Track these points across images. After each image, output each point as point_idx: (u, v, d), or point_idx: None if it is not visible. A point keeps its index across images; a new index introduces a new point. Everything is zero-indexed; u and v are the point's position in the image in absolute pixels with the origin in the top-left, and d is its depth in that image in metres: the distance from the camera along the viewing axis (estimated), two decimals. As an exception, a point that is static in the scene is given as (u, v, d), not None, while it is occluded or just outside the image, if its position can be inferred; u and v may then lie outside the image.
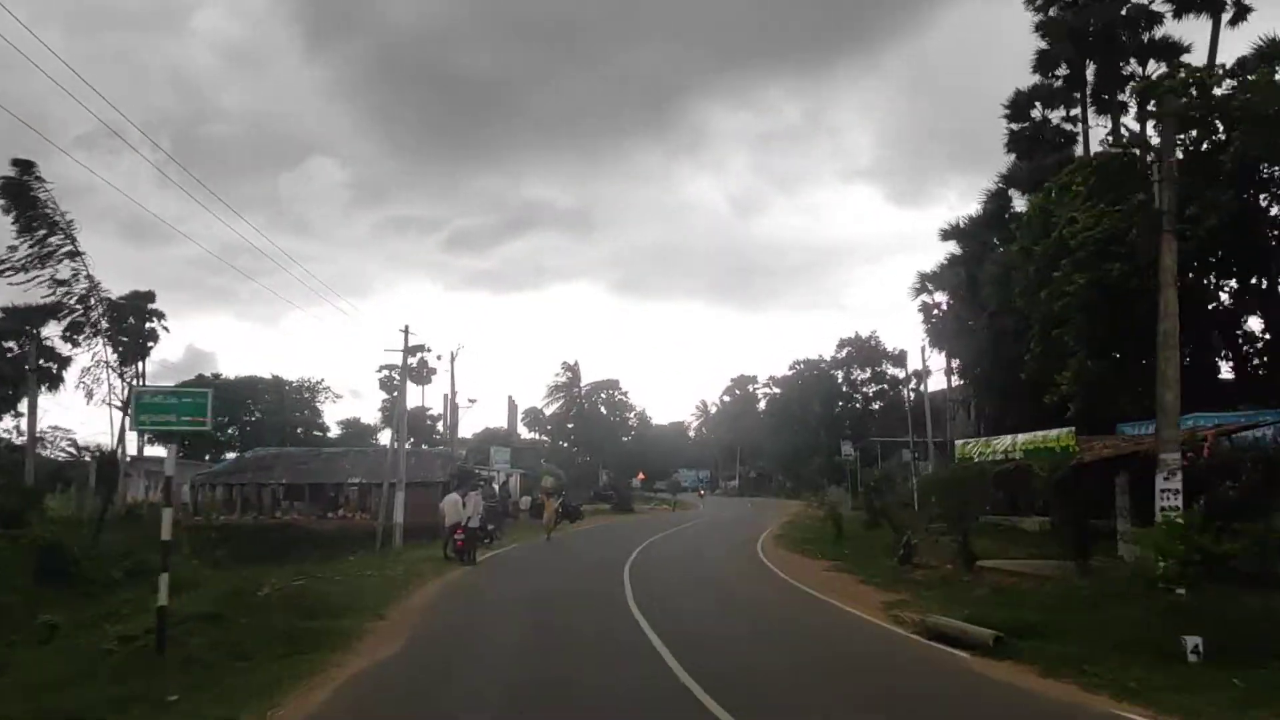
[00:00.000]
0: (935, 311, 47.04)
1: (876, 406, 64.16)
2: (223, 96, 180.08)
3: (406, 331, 33.08)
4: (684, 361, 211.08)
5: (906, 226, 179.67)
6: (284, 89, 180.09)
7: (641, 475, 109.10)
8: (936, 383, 52.47)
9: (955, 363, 48.00)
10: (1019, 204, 41.72)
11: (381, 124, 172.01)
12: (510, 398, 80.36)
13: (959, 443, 23.21)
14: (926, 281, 47.18)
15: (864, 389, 64.54)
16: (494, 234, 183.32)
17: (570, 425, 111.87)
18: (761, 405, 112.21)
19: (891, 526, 23.89)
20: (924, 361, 48.62)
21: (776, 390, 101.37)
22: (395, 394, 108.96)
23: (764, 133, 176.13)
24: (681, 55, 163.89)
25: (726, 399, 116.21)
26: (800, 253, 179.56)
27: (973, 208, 50.07)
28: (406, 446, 37.19)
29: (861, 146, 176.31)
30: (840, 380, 65.82)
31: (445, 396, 54.98)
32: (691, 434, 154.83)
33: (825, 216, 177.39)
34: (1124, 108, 35.58)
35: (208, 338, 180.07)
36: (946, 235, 42.73)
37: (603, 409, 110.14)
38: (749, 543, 33.13)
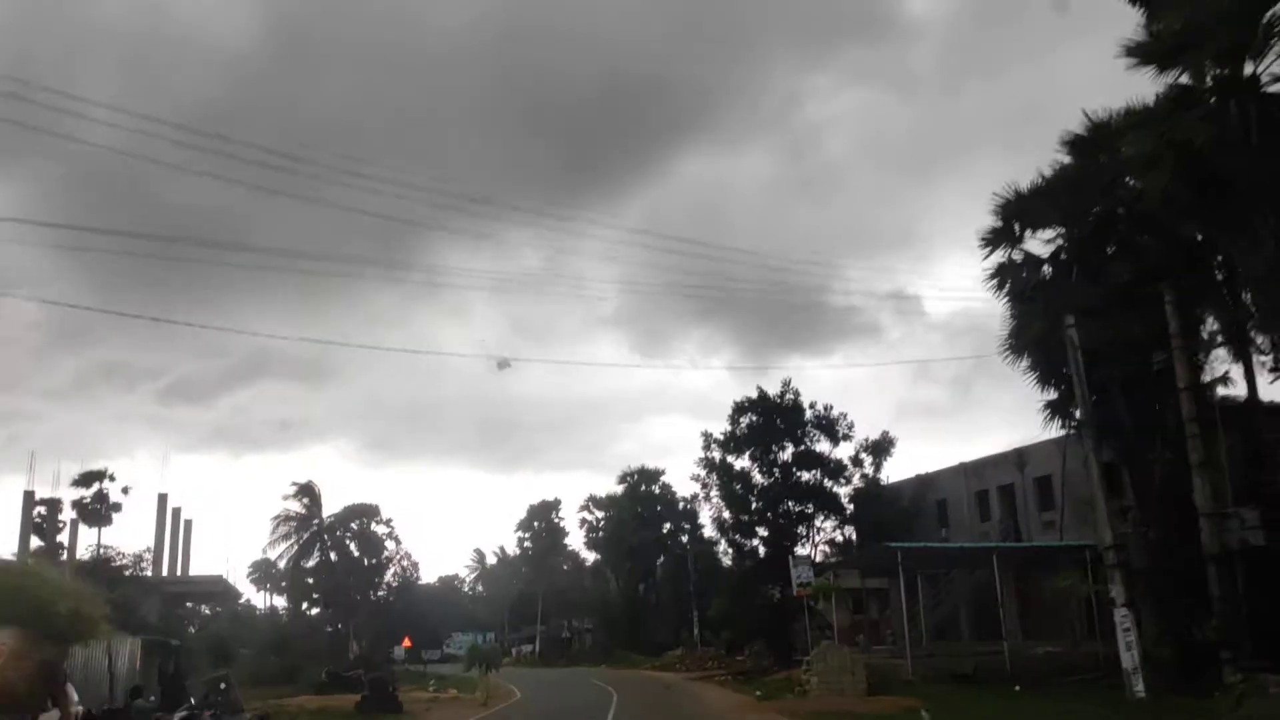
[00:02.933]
0: (1043, 271, 23.61)
1: (809, 509, 38.94)
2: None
3: None
4: (448, 525, 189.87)
5: (655, 379, 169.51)
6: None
7: (407, 642, 79.24)
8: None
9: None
10: None
11: (74, 253, 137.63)
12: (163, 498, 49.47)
13: None
14: (1016, 219, 23.81)
15: (796, 474, 39.10)
16: (217, 383, 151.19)
17: (310, 580, 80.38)
18: (578, 539, 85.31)
19: None
20: (1081, 387, 22.93)
21: (598, 514, 75.18)
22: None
23: (504, 277, 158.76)
24: (413, 190, 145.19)
25: (521, 534, 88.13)
26: (559, 408, 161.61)
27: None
28: None
29: (604, 295, 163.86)
30: (751, 466, 39.90)
31: None
32: (468, 590, 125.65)
33: (576, 369, 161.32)
34: None
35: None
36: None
37: (353, 547, 79.10)
38: None
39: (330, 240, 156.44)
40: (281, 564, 74.73)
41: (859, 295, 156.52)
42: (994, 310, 25.59)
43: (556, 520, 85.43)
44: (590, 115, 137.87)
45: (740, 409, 41.02)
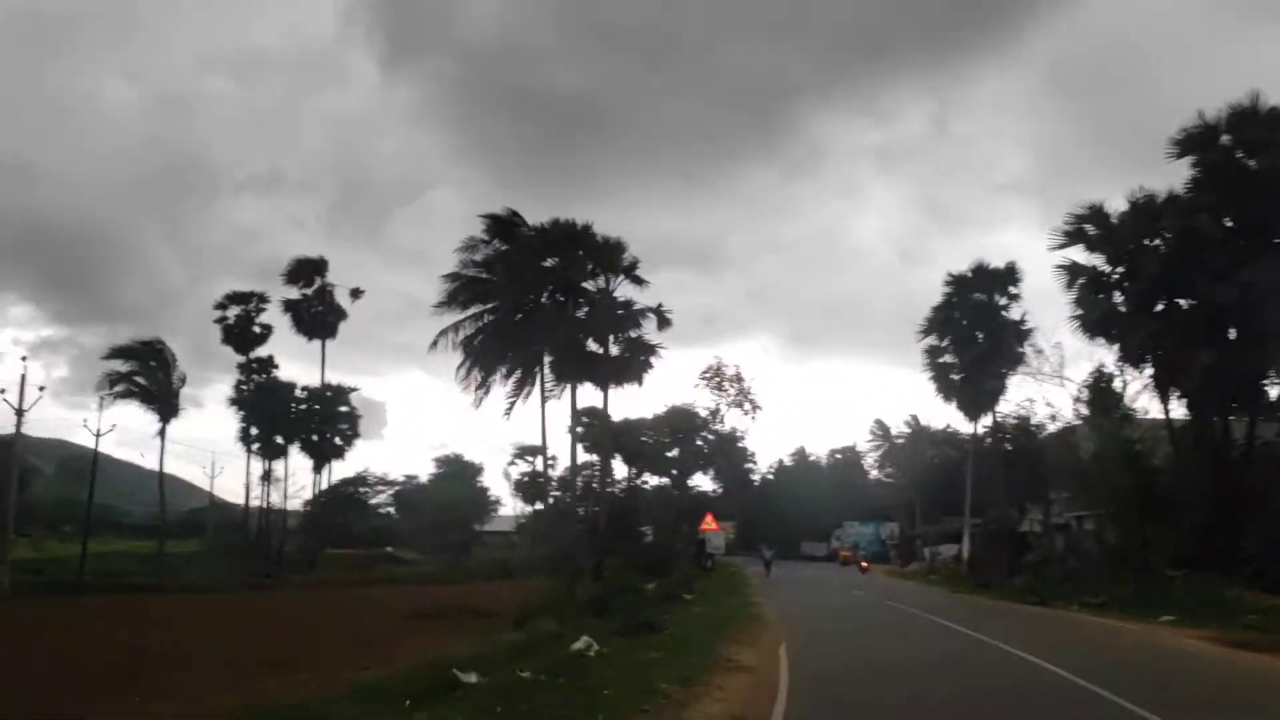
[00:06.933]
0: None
1: None
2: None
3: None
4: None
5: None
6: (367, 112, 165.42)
7: (712, 521, 43.41)
8: None
9: None
10: None
11: (481, 151, 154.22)
12: None
13: None
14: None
15: None
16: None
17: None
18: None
19: None
20: None
21: (1102, 257, 30.14)
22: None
23: (884, 143, 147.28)
24: (788, 57, 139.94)
25: (933, 342, 44.32)
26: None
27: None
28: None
29: (1000, 157, 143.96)
30: None
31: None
32: (871, 472, 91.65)
33: (974, 240, 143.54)
34: None
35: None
36: None
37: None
38: None
39: (704, 119, 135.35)
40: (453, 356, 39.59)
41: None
42: None
43: (1003, 303, 41.53)
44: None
45: None
